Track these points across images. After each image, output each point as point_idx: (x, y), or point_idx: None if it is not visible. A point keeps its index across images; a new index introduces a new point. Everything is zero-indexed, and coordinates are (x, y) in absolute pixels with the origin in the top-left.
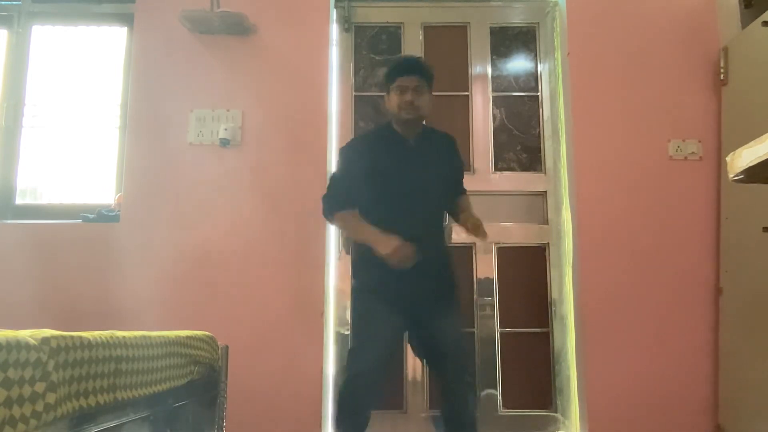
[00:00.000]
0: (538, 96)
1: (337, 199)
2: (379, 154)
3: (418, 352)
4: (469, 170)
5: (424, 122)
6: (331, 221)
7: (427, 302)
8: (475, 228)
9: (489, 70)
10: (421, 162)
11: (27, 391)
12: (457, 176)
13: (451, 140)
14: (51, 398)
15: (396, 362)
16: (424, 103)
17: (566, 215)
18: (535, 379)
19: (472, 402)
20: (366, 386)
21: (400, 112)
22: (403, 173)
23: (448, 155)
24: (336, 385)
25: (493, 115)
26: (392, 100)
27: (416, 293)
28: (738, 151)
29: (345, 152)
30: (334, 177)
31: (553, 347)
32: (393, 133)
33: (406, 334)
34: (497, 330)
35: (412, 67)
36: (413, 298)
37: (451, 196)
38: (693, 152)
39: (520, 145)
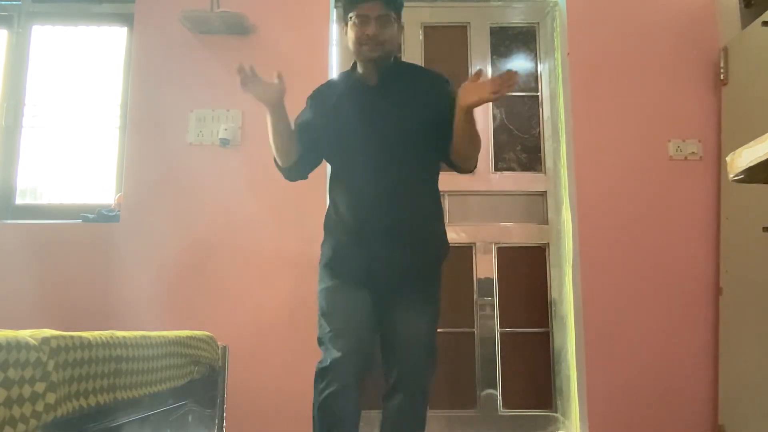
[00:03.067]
0: (538, 96)
1: None
2: (336, 102)
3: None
4: None
5: (394, 59)
6: (275, 163)
7: (392, 280)
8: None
9: (489, 70)
10: (384, 110)
11: (27, 391)
12: (447, 115)
13: (440, 79)
14: (51, 398)
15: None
16: (391, 37)
17: (566, 215)
18: (535, 379)
19: (412, 423)
20: (345, 398)
21: (360, 49)
22: (361, 125)
23: (431, 96)
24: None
25: (493, 115)
26: (350, 35)
27: (379, 266)
28: (738, 151)
29: (306, 104)
30: None
31: (553, 347)
32: (351, 76)
33: None
34: (497, 330)
35: None
36: (375, 271)
37: (443, 141)
38: (693, 152)
39: (520, 145)
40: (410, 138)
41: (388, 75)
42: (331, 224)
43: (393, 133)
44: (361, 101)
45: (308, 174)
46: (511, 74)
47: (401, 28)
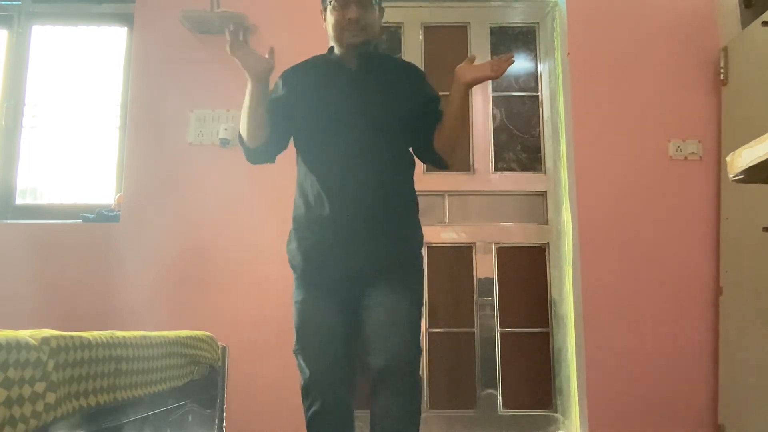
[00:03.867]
0: (538, 96)
1: None
2: (314, 81)
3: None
4: (468, 170)
5: (374, 47)
6: (241, 143)
7: (370, 272)
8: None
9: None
10: (366, 93)
11: (27, 391)
12: (424, 107)
13: (416, 70)
14: (51, 398)
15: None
16: (372, 21)
17: (566, 215)
18: (535, 379)
19: (404, 420)
20: (330, 414)
21: (342, 35)
22: (341, 107)
23: (408, 86)
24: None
25: (493, 115)
26: (330, 20)
27: (357, 260)
28: (738, 151)
29: (276, 82)
30: None
31: (553, 347)
32: (330, 59)
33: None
34: (497, 330)
35: None
36: (352, 267)
37: (421, 134)
38: (693, 152)
39: (520, 145)
40: (390, 124)
41: (367, 59)
42: (301, 218)
43: (374, 117)
44: (341, 83)
45: (275, 157)
46: (509, 55)
47: (382, 11)
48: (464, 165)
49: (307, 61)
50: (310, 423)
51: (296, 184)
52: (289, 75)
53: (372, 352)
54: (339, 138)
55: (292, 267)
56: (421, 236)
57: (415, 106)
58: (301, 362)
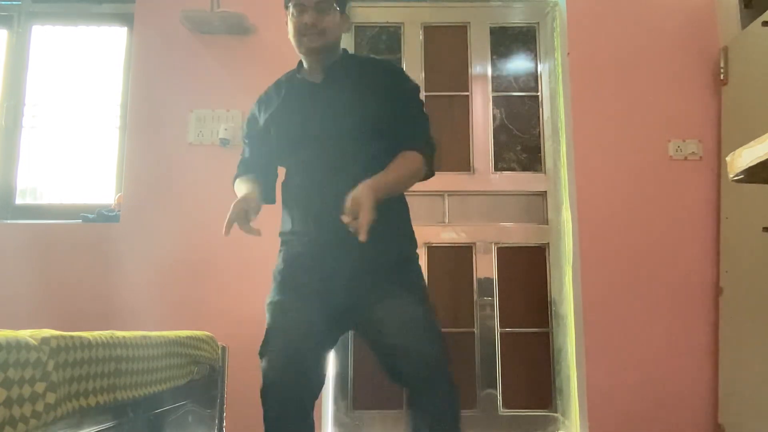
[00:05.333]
0: (538, 96)
1: (239, 165)
2: (281, 104)
3: (375, 354)
4: (468, 170)
5: (343, 53)
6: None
7: (358, 283)
8: (351, 210)
9: (489, 70)
10: (331, 106)
11: (27, 391)
12: (392, 117)
13: (388, 68)
14: (51, 398)
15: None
16: (331, 25)
17: (566, 215)
18: (535, 379)
19: (446, 420)
20: (288, 423)
21: (300, 41)
22: (308, 124)
23: (380, 86)
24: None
25: (493, 115)
26: (290, 27)
27: (340, 271)
28: (738, 151)
29: (251, 110)
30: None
31: (553, 347)
32: (295, 75)
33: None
34: (497, 330)
35: None
36: (336, 278)
37: (390, 147)
38: (693, 152)
39: (520, 145)
40: (362, 133)
41: (333, 69)
42: (286, 234)
43: (343, 129)
44: (305, 99)
45: (275, 197)
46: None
47: (346, 18)
48: (464, 165)
49: (277, 82)
50: (268, 428)
51: (282, 203)
52: (259, 102)
53: (397, 362)
54: (309, 153)
55: (273, 278)
56: (412, 236)
57: (388, 108)
58: (265, 364)
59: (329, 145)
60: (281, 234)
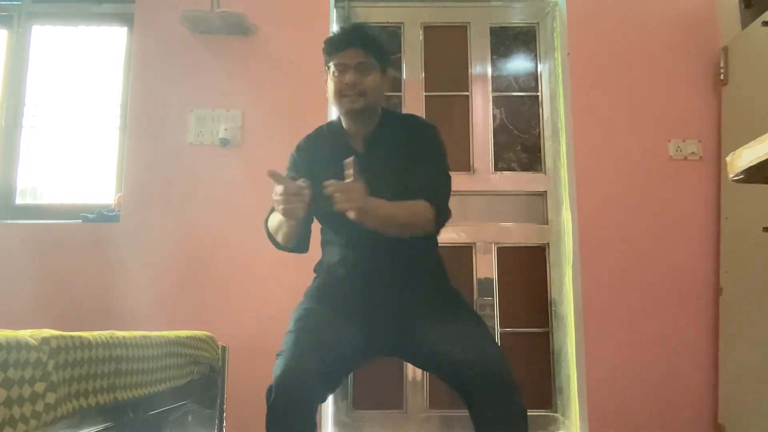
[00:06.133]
0: (538, 96)
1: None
2: (321, 163)
3: (435, 374)
4: (468, 170)
5: (382, 113)
6: (269, 236)
7: (397, 309)
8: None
9: (489, 70)
10: (370, 174)
11: (27, 391)
12: (411, 178)
13: (415, 127)
14: (51, 398)
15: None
16: (372, 86)
17: (566, 215)
18: (535, 379)
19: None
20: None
21: (340, 101)
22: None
23: (411, 149)
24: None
25: (493, 115)
26: (330, 86)
27: (379, 306)
28: (738, 151)
29: (291, 156)
30: None
31: (553, 347)
32: (339, 134)
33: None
34: (497, 330)
35: (352, 37)
36: (372, 299)
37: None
38: (693, 152)
39: (520, 145)
40: (404, 192)
41: (374, 138)
42: (322, 270)
43: (386, 197)
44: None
45: (308, 246)
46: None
47: (387, 77)
48: (464, 165)
49: (318, 133)
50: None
51: (321, 244)
52: (300, 154)
53: (465, 378)
54: (349, 225)
55: (306, 294)
56: (448, 280)
57: (415, 166)
58: (280, 361)
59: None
60: (317, 267)
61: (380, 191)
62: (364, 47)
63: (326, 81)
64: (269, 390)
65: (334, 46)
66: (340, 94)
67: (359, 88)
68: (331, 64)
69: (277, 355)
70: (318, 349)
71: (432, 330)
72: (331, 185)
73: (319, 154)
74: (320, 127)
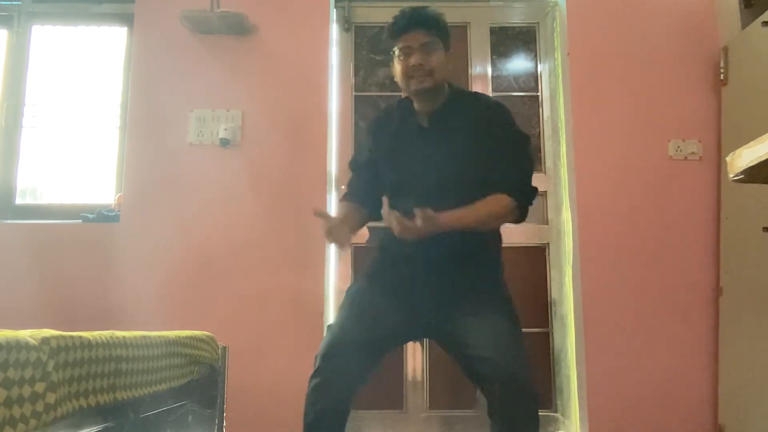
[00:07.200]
0: (538, 96)
1: (347, 188)
2: (387, 138)
3: (459, 363)
4: None
5: (450, 90)
6: None
7: (441, 296)
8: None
9: (489, 70)
10: (435, 154)
11: (27, 391)
12: (490, 160)
13: (498, 113)
14: (51, 398)
15: (391, 364)
16: (438, 64)
17: (566, 215)
18: (535, 379)
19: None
20: (331, 387)
21: (408, 83)
22: (410, 163)
23: (481, 135)
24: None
25: None
26: (397, 69)
27: (423, 285)
28: (738, 151)
29: (361, 134)
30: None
31: (553, 347)
32: (406, 110)
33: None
34: None
35: (414, 19)
36: (421, 287)
37: (486, 189)
38: (693, 152)
39: None
40: (463, 180)
41: (440, 114)
42: (382, 243)
43: (444, 177)
44: (412, 142)
45: (379, 214)
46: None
47: (451, 55)
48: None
49: (388, 109)
50: (309, 397)
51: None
52: (371, 130)
53: (482, 374)
54: (411, 196)
55: (362, 273)
56: (502, 265)
57: (491, 155)
58: (327, 334)
59: (432, 192)
60: (378, 242)
61: (441, 168)
62: (426, 28)
63: (393, 66)
64: (315, 358)
65: (397, 30)
66: (408, 76)
67: (426, 68)
68: (396, 49)
69: (327, 327)
70: (361, 327)
71: (464, 321)
72: (393, 217)
73: (386, 129)
74: (390, 104)
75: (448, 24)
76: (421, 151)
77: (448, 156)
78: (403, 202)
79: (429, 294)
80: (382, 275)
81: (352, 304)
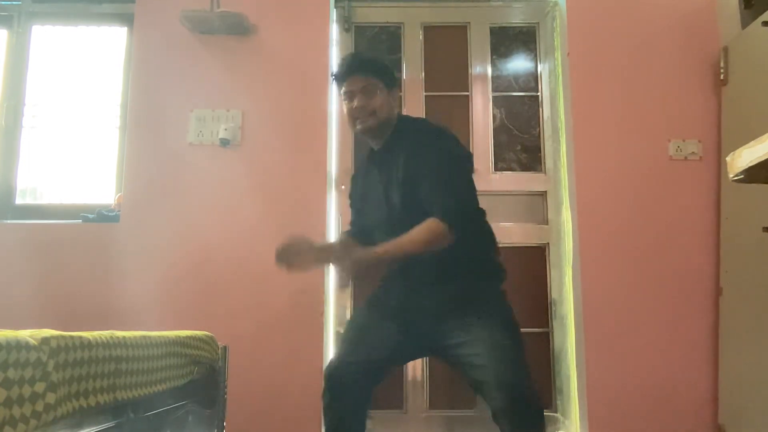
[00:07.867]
0: (538, 96)
1: (350, 223)
2: (358, 176)
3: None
4: None
5: (399, 120)
6: None
7: (431, 309)
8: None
9: (489, 70)
10: (385, 179)
11: (27, 391)
12: (420, 185)
13: (417, 134)
14: (51, 398)
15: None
16: (380, 105)
17: (566, 215)
18: (535, 380)
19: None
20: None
21: (354, 123)
22: (370, 197)
23: (410, 159)
24: None
25: (493, 115)
26: (343, 111)
27: (414, 300)
28: (738, 151)
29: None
30: None
31: (553, 347)
32: (369, 148)
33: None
34: None
35: (353, 66)
36: (410, 301)
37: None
38: (693, 152)
39: (520, 145)
40: (405, 207)
41: (387, 147)
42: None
43: (392, 206)
44: (369, 178)
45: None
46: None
47: (394, 93)
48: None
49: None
50: (325, 411)
51: None
52: (355, 170)
53: (483, 386)
54: (375, 228)
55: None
56: (497, 272)
57: (417, 177)
58: (333, 355)
59: (387, 213)
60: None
61: (391, 197)
62: (363, 72)
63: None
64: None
65: (339, 77)
66: (353, 117)
67: (368, 109)
68: (341, 92)
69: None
70: (360, 347)
71: (460, 336)
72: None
73: (358, 167)
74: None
75: (389, 67)
76: (376, 184)
77: (394, 185)
78: (373, 234)
79: (419, 312)
80: (379, 299)
81: (352, 327)
